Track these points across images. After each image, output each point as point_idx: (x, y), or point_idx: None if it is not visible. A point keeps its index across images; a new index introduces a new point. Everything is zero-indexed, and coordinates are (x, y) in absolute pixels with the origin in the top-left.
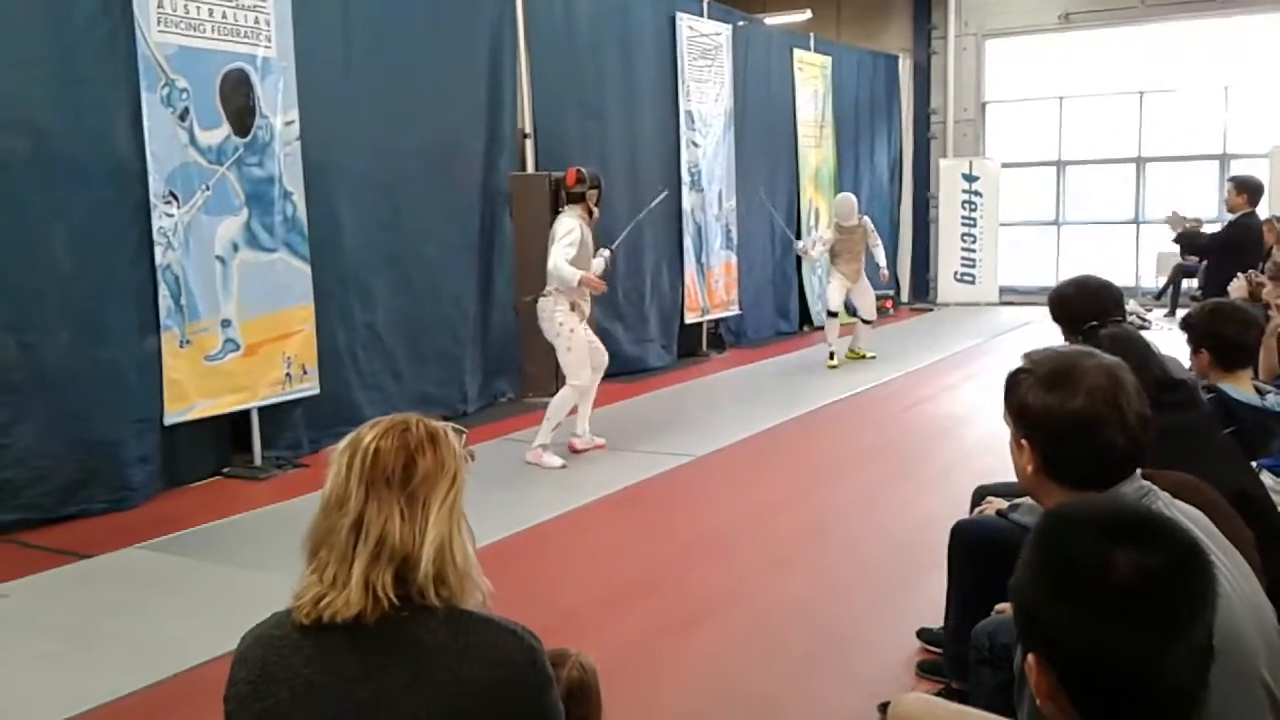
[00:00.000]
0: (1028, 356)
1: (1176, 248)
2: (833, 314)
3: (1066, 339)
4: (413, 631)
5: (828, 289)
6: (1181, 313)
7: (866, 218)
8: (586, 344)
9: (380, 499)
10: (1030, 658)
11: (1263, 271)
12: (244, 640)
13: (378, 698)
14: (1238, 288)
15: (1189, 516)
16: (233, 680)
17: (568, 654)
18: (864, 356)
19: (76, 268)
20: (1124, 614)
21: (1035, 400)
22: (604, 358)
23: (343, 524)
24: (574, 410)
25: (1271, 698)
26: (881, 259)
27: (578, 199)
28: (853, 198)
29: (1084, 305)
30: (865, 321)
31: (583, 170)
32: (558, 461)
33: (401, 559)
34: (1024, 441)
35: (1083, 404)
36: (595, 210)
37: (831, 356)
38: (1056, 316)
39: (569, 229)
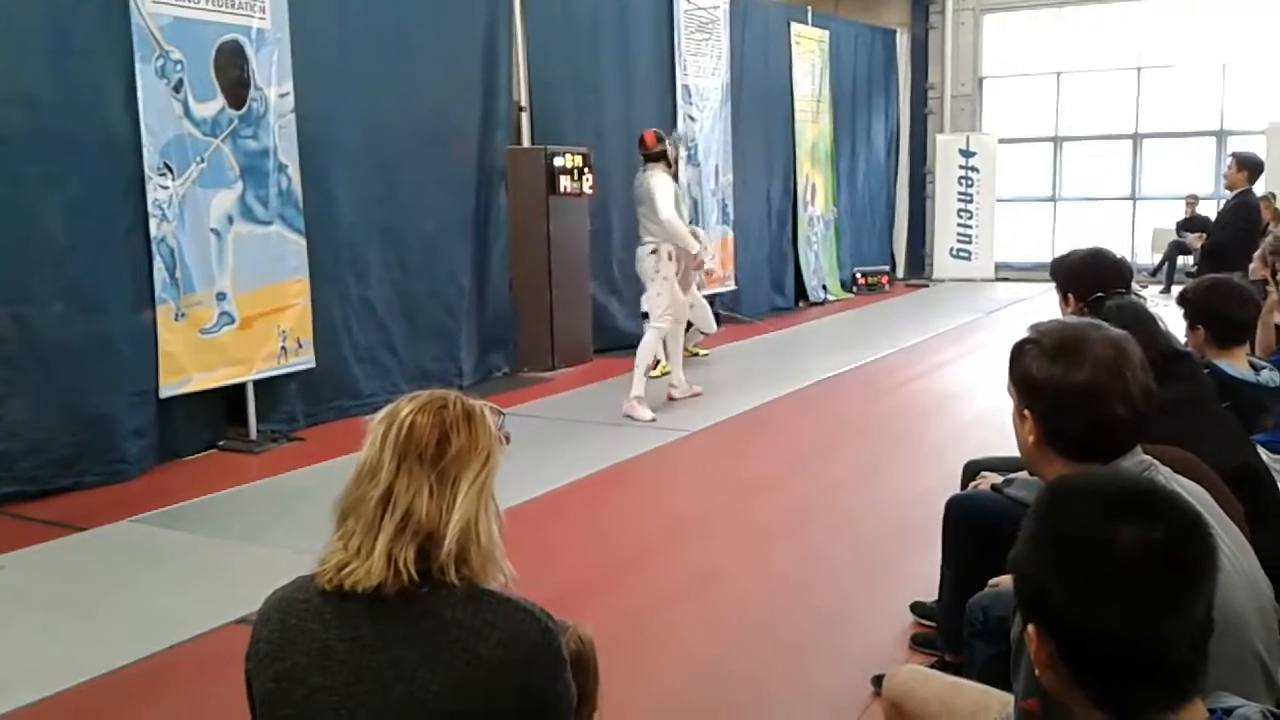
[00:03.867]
0: (1034, 327)
1: (1172, 224)
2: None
3: (1065, 308)
4: (431, 607)
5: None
6: (1177, 289)
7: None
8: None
9: (411, 473)
10: (1030, 628)
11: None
12: (267, 601)
13: (392, 668)
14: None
15: (1189, 491)
16: (254, 639)
17: (566, 626)
18: (696, 354)
19: (71, 240)
20: (1126, 587)
21: (1039, 370)
22: (684, 311)
23: (372, 494)
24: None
25: (1266, 671)
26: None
27: (659, 157)
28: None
29: (1095, 276)
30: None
31: (659, 131)
32: (649, 414)
33: (426, 535)
34: (1027, 412)
35: (1087, 375)
36: (674, 167)
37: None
38: (1064, 284)
39: (664, 182)
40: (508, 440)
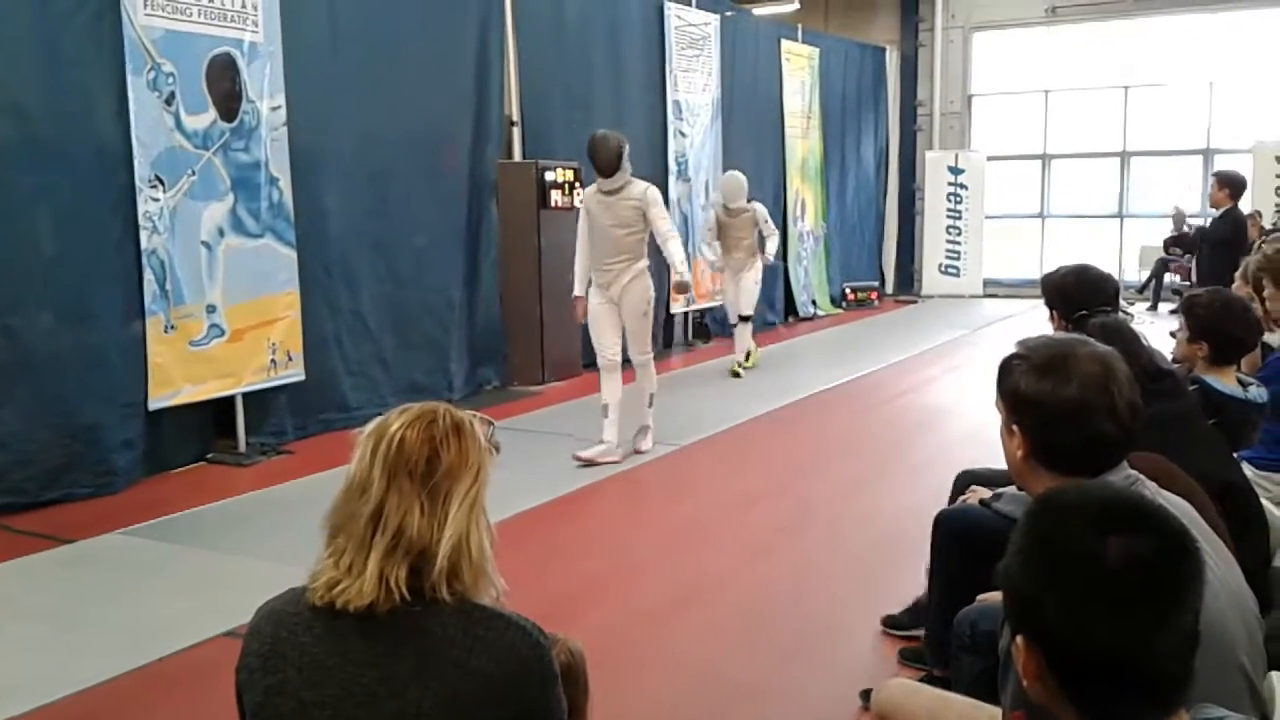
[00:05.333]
0: (1022, 343)
1: (1159, 242)
2: (745, 317)
3: (1055, 326)
4: (423, 624)
5: (725, 296)
6: (1164, 306)
7: (758, 204)
8: (594, 324)
9: (401, 490)
10: (1019, 639)
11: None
12: (258, 612)
13: (383, 685)
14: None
15: (1174, 505)
16: (245, 652)
17: (555, 638)
18: (748, 364)
19: (61, 252)
20: (1115, 600)
21: (1028, 386)
22: (603, 351)
23: (363, 511)
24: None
25: (1250, 684)
26: (772, 250)
27: None
28: (742, 177)
29: (1080, 293)
30: (743, 318)
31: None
32: (641, 445)
33: (418, 553)
34: (1015, 427)
35: (1075, 391)
36: (597, 183)
37: (747, 358)
38: (1050, 301)
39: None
40: (498, 450)
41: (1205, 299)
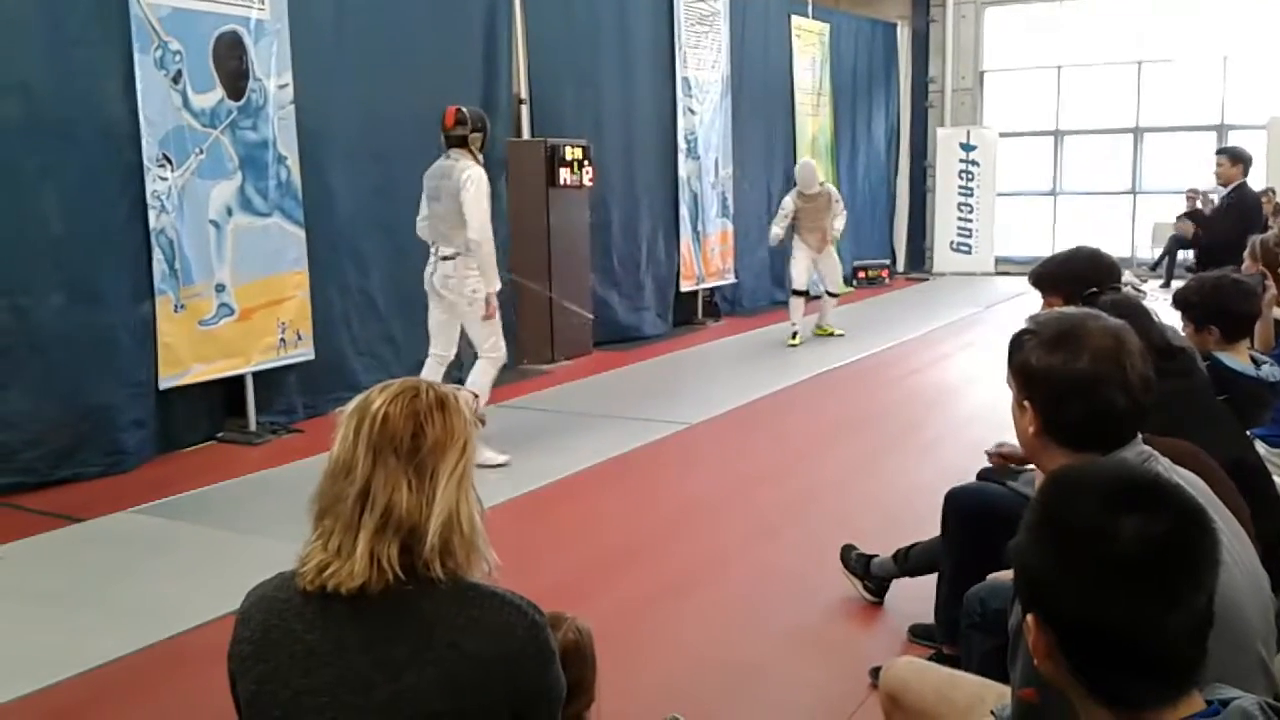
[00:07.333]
0: (1032, 318)
1: (1172, 218)
2: (798, 292)
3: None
4: (416, 604)
5: (791, 264)
6: (1177, 284)
7: (831, 186)
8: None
9: (388, 468)
10: (1029, 617)
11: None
12: (248, 598)
13: (378, 669)
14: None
15: (1188, 482)
16: (236, 639)
17: (563, 617)
18: (832, 333)
19: (69, 231)
20: (1127, 580)
21: (1039, 360)
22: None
23: (349, 492)
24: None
25: (1263, 664)
26: (838, 228)
27: (459, 143)
28: (814, 164)
29: (1095, 272)
30: (830, 294)
31: (463, 109)
32: (499, 458)
33: (408, 530)
34: (1026, 402)
35: (1086, 365)
36: (479, 158)
37: (794, 335)
38: (1052, 287)
39: (479, 180)
40: (482, 424)
41: (1194, 288)
